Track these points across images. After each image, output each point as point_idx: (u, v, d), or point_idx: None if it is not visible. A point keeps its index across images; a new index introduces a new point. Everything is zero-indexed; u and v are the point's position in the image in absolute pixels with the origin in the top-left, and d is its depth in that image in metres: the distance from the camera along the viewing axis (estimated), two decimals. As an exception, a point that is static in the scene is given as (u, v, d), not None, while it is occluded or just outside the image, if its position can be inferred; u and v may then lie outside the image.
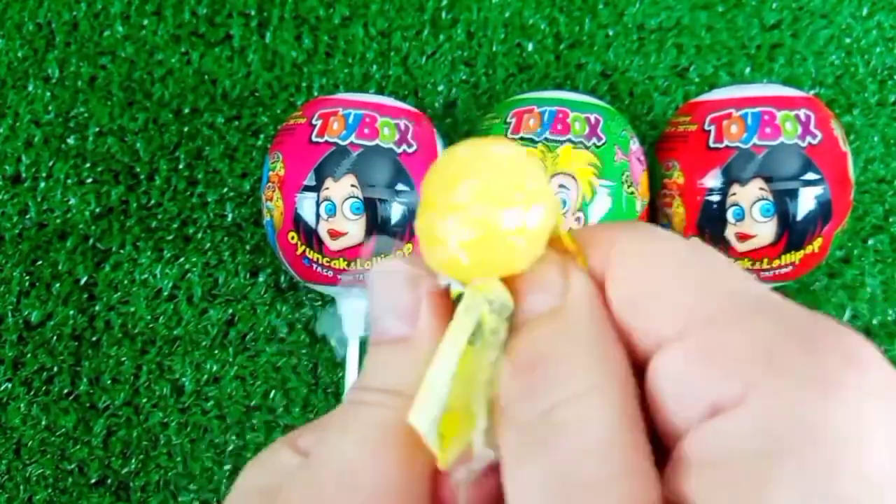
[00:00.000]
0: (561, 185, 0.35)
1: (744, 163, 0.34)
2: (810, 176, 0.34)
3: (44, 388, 0.41)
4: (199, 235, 0.42)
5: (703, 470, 0.11)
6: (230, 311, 0.42)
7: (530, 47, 0.44)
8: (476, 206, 0.14)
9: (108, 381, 0.41)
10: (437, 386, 0.14)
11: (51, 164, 0.43)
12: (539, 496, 0.12)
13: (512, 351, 0.14)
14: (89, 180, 0.43)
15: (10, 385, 0.41)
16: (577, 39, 0.44)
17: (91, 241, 0.42)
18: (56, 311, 0.42)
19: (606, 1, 0.44)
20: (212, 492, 0.41)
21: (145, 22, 0.44)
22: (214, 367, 0.41)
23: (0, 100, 0.43)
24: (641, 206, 0.37)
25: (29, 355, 0.41)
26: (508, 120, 0.37)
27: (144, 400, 0.41)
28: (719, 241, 0.35)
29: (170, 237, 0.42)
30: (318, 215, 0.35)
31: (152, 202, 0.42)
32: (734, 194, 0.35)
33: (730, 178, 0.35)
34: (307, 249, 0.36)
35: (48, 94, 0.43)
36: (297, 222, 0.35)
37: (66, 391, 0.41)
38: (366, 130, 0.35)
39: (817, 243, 0.35)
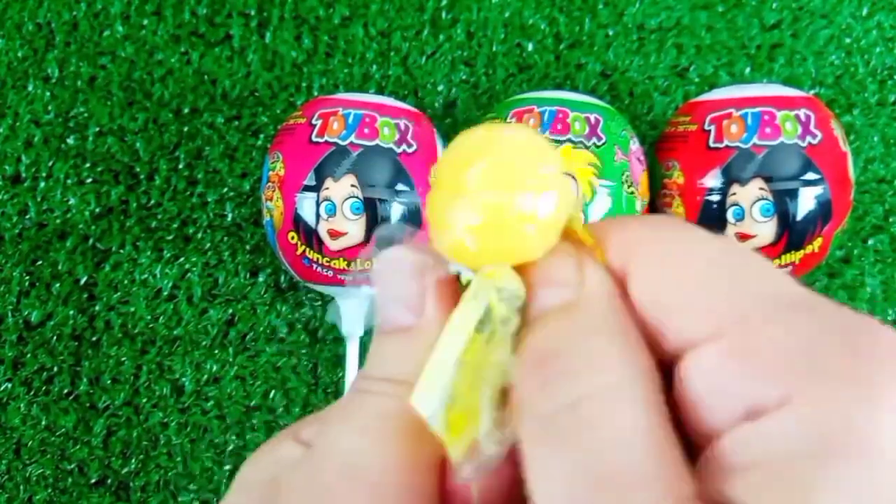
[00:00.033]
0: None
1: (744, 163, 0.34)
2: (810, 176, 0.34)
3: (44, 388, 0.41)
4: (199, 235, 0.42)
5: (747, 470, 0.11)
6: (230, 311, 0.42)
7: (530, 47, 0.44)
8: (485, 190, 0.14)
9: (108, 381, 0.41)
10: (440, 369, 0.13)
11: (51, 164, 0.43)
12: (567, 486, 0.12)
13: (527, 343, 0.13)
14: (89, 180, 0.43)
15: (10, 385, 0.41)
16: (577, 39, 0.44)
17: (91, 241, 0.42)
18: (56, 311, 0.42)
19: (606, 1, 0.44)
20: (212, 492, 0.41)
21: (145, 22, 0.44)
22: (214, 367, 0.41)
23: (0, 100, 0.43)
24: (641, 206, 0.37)
25: (29, 355, 0.41)
26: (508, 120, 0.37)
27: (144, 400, 0.41)
28: (719, 241, 0.35)
29: (170, 237, 0.42)
30: (318, 215, 0.35)
31: (152, 202, 0.42)
32: (734, 194, 0.35)
33: (730, 178, 0.35)
34: (307, 249, 0.36)
35: (48, 94, 0.43)
36: (297, 222, 0.35)
37: (66, 391, 0.41)
38: (366, 130, 0.35)
39: (817, 243, 0.35)
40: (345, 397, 0.15)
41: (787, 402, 0.11)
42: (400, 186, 0.35)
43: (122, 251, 0.42)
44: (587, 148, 0.35)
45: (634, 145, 0.37)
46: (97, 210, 0.42)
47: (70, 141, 0.43)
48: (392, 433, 0.14)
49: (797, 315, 0.12)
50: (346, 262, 0.35)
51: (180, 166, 0.43)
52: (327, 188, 0.35)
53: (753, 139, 0.34)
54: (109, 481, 0.41)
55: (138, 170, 0.43)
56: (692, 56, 0.44)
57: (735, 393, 0.12)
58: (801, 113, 0.35)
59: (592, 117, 0.36)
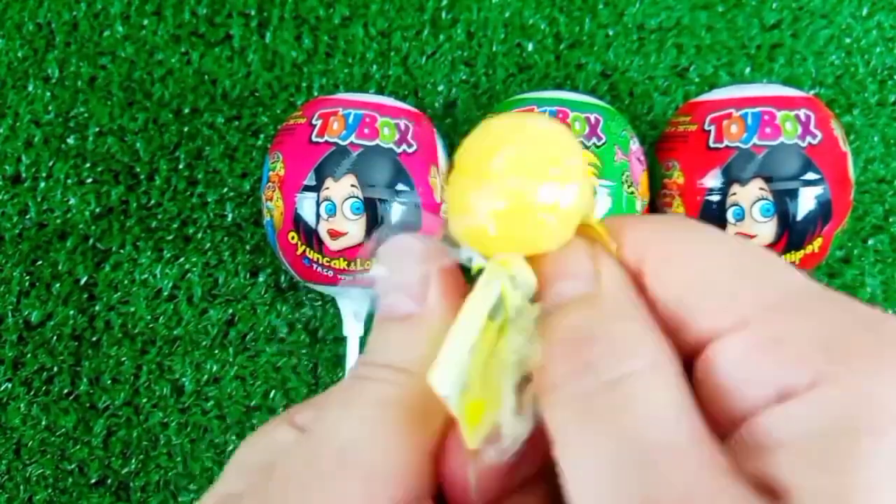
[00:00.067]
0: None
1: (744, 163, 0.34)
2: (810, 176, 0.34)
3: (44, 388, 0.41)
4: (199, 235, 0.42)
5: (785, 447, 0.12)
6: (230, 311, 0.42)
7: (530, 47, 0.44)
8: (511, 176, 0.14)
9: (108, 381, 0.41)
10: (457, 350, 0.13)
11: (51, 164, 0.43)
12: (610, 461, 0.12)
13: (553, 329, 0.14)
14: (89, 180, 0.43)
15: (10, 385, 0.41)
16: (577, 39, 0.44)
17: (91, 241, 0.42)
18: (56, 311, 0.42)
19: (606, 1, 0.44)
20: (212, 492, 0.41)
21: (145, 22, 0.44)
22: (214, 367, 0.41)
23: (0, 100, 0.43)
24: (641, 206, 0.37)
25: (29, 355, 0.41)
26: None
27: (144, 400, 0.41)
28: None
29: (170, 237, 0.42)
30: (318, 215, 0.35)
31: (152, 202, 0.42)
32: (734, 194, 0.35)
33: (730, 178, 0.35)
34: (307, 249, 0.36)
35: (48, 94, 0.43)
36: (297, 222, 0.35)
37: (66, 391, 0.41)
38: (366, 130, 0.35)
39: (817, 243, 0.35)
40: (344, 382, 0.15)
41: (817, 384, 0.12)
42: (400, 186, 0.35)
43: (122, 251, 0.42)
44: (587, 148, 0.35)
45: (634, 145, 0.37)
46: (97, 210, 0.42)
47: (70, 141, 0.43)
48: (392, 421, 0.14)
49: (823, 304, 0.13)
50: (346, 262, 0.35)
51: (180, 166, 0.43)
52: (327, 188, 0.35)
53: (753, 139, 0.34)
54: (109, 481, 0.41)
55: (138, 170, 0.43)
56: (692, 56, 0.44)
57: (764, 378, 0.12)
58: (801, 113, 0.35)
59: (592, 117, 0.36)
